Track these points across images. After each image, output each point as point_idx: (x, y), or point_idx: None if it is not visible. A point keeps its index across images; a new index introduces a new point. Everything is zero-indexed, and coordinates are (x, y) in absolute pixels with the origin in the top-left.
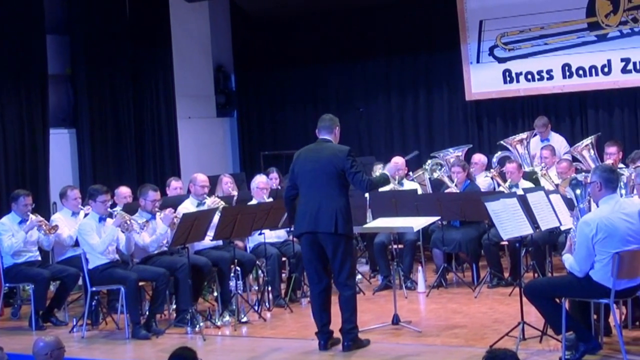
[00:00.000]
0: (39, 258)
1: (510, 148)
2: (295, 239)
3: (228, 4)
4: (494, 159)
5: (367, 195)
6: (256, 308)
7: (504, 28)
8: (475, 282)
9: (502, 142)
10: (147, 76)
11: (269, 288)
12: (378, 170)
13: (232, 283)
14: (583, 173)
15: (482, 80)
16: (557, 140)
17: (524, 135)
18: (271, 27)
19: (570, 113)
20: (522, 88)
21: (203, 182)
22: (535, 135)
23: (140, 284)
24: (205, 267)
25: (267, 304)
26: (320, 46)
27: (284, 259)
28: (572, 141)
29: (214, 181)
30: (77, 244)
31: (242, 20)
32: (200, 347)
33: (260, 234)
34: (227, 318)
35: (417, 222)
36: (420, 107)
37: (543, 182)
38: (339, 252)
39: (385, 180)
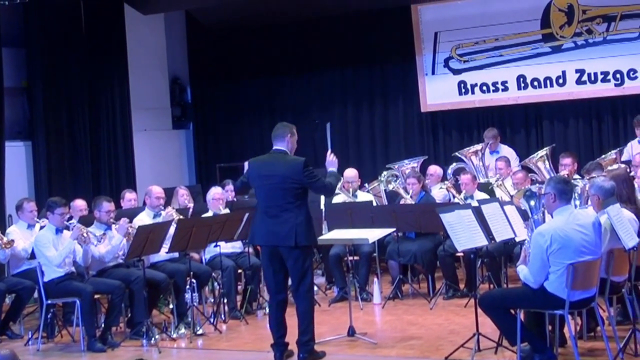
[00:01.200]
0: None
1: (465, 159)
2: (251, 250)
3: (184, 16)
4: (449, 171)
5: (322, 207)
6: (212, 320)
7: (459, 40)
8: (431, 293)
9: (457, 153)
10: (103, 89)
11: (225, 300)
12: None
13: (187, 295)
14: (537, 184)
15: (437, 92)
16: (507, 152)
17: (478, 146)
18: (227, 39)
19: (526, 124)
20: (477, 99)
21: (158, 194)
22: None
23: (96, 296)
24: (161, 281)
25: (222, 316)
26: (276, 58)
27: (239, 271)
28: (527, 152)
29: (169, 193)
30: (32, 256)
31: (198, 33)
32: None
33: (216, 245)
34: (182, 330)
35: (373, 234)
36: (376, 118)
37: (498, 193)
38: (298, 265)
39: (335, 177)
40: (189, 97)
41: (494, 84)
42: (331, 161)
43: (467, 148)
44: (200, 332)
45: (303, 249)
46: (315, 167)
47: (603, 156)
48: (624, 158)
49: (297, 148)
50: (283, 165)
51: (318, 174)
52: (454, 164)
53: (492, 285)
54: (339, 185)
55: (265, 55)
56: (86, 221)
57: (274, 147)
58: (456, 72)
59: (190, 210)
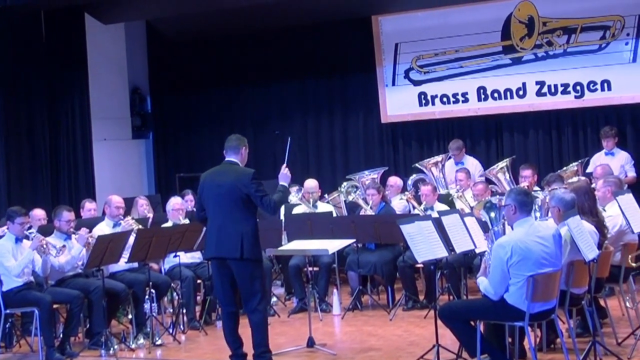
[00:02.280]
0: None
1: (425, 170)
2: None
3: (144, 26)
4: (409, 182)
5: (282, 217)
6: (171, 330)
7: (420, 51)
8: (391, 304)
9: (417, 164)
10: (63, 98)
11: (184, 310)
12: (293, 192)
13: (146, 305)
14: (497, 196)
15: (398, 103)
16: (472, 164)
17: (439, 158)
18: (187, 49)
19: (486, 136)
20: (438, 111)
21: (118, 203)
22: (450, 158)
23: (55, 306)
24: (121, 291)
25: (181, 326)
26: (237, 68)
27: (199, 281)
28: (487, 164)
29: (129, 203)
30: None
31: (158, 43)
32: None
33: (175, 256)
34: (141, 341)
35: (332, 245)
36: (336, 129)
37: (459, 204)
38: (246, 277)
39: (284, 192)
40: (149, 107)
41: (454, 95)
42: (284, 174)
43: (428, 159)
44: (159, 342)
45: (249, 261)
46: (273, 178)
47: (565, 168)
48: (589, 170)
49: (258, 159)
50: (233, 175)
51: (266, 190)
52: (414, 175)
53: (452, 297)
54: (299, 196)
55: (226, 65)
56: (45, 231)
57: (227, 159)
58: (416, 83)
59: (150, 220)
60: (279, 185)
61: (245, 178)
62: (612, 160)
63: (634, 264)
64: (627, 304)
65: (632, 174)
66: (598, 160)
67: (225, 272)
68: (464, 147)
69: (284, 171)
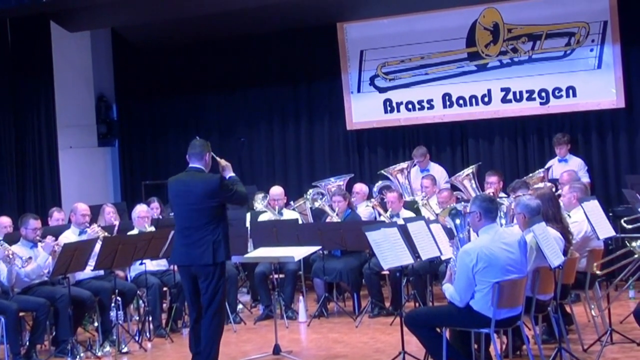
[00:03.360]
0: None
1: (390, 177)
2: (176, 267)
3: (110, 33)
4: (375, 189)
5: (247, 225)
6: (137, 338)
7: (385, 58)
8: (357, 311)
9: (382, 171)
10: (29, 106)
11: (150, 318)
12: (259, 199)
13: (112, 313)
14: (462, 203)
15: (363, 110)
16: (437, 170)
17: (404, 164)
18: (153, 57)
19: (451, 142)
20: (403, 118)
21: (84, 211)
22: (415, 165)
23: (21, 314)
24: (87, 299)
25: (147, 334)
26: (202, 75)
27: (165, 288)
28: (452, 171)
29: (95, 211)
30: None
31: (124, 50)
32: None
33: (141, 263)
34: (107, 348)
35: (298, 252)
36: (302, 136)
37: (424, 211)
38: (212, 283)
39: (237, 180)
40: (115, 114)
41: (420, 102)
42: (225, 167)
43: (393, 166)
44: (125, 350)
45: (217, 266)
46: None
47: (530, 174)
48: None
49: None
50: (200, 183)
51: (231, 184)
52: (380, 182)
53: (417, 304)
54: (264, 203)
55: (192, 72)
56: (11, 239)
57: (191, 165)
58: (382, 90)
59: (116, 227)
60: (229, 178)
61: (214, 184)
62: (565, 167)
63: (599, 272)
64: (593, 312)
65: (586, 179)
66: (553, 168)
67: (192, 280)
68: (427, 154)
69: (222, 164)
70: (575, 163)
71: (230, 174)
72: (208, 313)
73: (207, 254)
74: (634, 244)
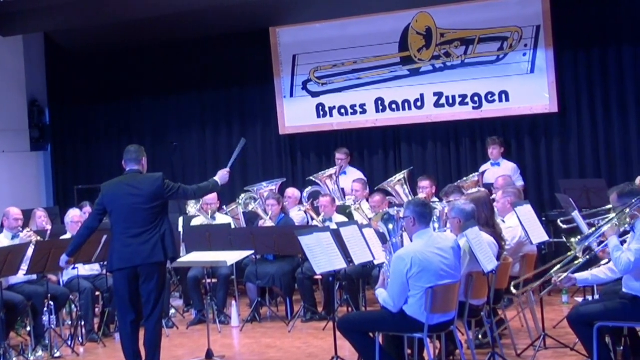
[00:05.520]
0: None
1: (320, 184)
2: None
3: (43, 38)
4: (305, 194)
5: (180, 229)
6: (69, 343)
7: (318, 62)
8: (289, 316)
9: (312, 177)
10: None
11: (82, 322)
12: (192, 203)
13: (45, 317)
14: (396, 207)
15: (296, 115)
16: (356, 175)
17: (332, 170)
18: (86, 62)
19: (384, 147)
20: (336, 122)
21: (16, 215)
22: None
23: None
24: (19, 303)
25: (80, 338)
26: (135, 80)
27: (97, 293)
28: (385, 175)
29: (27, 215)
30: None
31: (56, 55)
32: None
33: (74, 268)
34: (40, 353)
35: (231, 256)
36: (234, 141)
37: (357, 216)
38: (160, 283)
39: (214, 185)
40: (48, 119)
41: (352, 106)
42: (223, 175)
43: (322, 172)
44: (57, 354)
45: (163, 266)
46: None
47: (465, 178)
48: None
49: (156, 170)
50: (143, 184)
51: (173, 184)
52: (310, 187)
53: (350, 308)
54: (197, 207)
55: (124, 77)
56: None
57: (129, 169)
58: (314, 94)
59: (49, 232)
60: (212, 179)
61: (157, 182)
62: (498, 171)
63: (514, 291)
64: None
65: (520, 182)
66: (487, 171)
67: (135, 283)
68: (349, 156)
69: (224, 172)
70: (508, 167)
71: (217, 179)
72: (153, 316)
73: (157, 251)
74: (572, 239)
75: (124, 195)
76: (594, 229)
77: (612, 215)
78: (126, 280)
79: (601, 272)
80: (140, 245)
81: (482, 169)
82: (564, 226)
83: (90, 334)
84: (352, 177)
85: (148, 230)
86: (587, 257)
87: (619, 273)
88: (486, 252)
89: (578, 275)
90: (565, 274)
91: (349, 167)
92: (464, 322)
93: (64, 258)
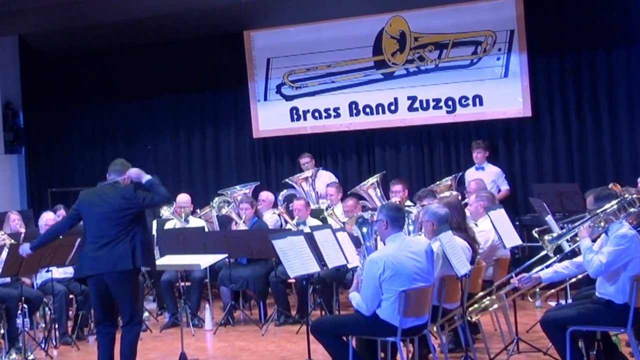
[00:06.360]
0: None
1: (295, 186)
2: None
3: (17, 40)
4: (280, 197)
5: (154, 232)
6: (43, 345)
7: (291, 66)
8: (263, 319)
9: (287, 180)
10: None
11: (56, 325)
12: (165, 207)
13: (19, 320)
14: (369, 211)
15: (270, 118)
16: (327, 178)
17: (309, 173)
18: (60, 64)
19: (358, 151)
20: (309, 126)
21: None
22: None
23: None
24: None
25: (54, 341)
26: (109, 82)
27: (71, 296)
28: (358, 179)
29: (1, 218)
30: None
31: (30, 57)
32: None
33: (47, 270)
34: (13, 356)
35: (205, 260)
36: (208, 144)
37: (330, 220)
38: (131, 291)
39: (157, 181)
40: (22, 121)
41: (326, 110)
42: (135, 172)
43: (298, 175)
44: (31, 357)
45: (132, 274)
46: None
47: (438, 182)
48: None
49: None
50: (116, 193)
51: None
52: (285, 190)
53: (324, 312)
54: (171, 210)
55: (98, 80)
56: None
57: (109, 179)
58: (288, 98)
59: (22, 235)
60: (147, 181)
61: (129, 191)
62: (482, 175)
63: (474, 317)
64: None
65: (505, 187)
66: (470, 176)
67: (104, 290)
68: (312, 160)
69: (133, 172)
70: (493, 171)
71: (145, 177)
72: (130, 326)
73: (124, 259)
74: (545, 237)
75: (97, 204)
76: (567, 228)
77: (587, 216)
78: (95, 287)
79: (562, 267)
80: (108, 253)
81: (467, 173)
82: (538, 236)
83: (64, 337)
84: (323, 180)
85: (117, 239)
86: (558, 257)
87: (590, 275)
88: (459, 256)
89: (542, 274)
90: (527, 274)
91: (321, 169)
92: (437, 326)
93: (26, 247)
